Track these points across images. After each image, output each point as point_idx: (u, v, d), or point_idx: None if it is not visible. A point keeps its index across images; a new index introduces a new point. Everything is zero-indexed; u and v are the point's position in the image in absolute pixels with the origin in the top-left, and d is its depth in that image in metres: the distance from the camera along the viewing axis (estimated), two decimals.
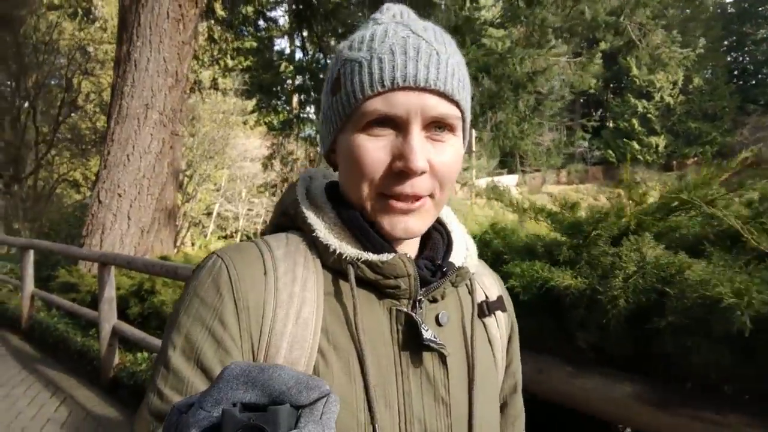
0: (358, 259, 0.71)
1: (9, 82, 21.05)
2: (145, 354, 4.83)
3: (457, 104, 0.70)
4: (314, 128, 16.00)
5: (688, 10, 40.65)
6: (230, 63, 15.56)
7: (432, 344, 0.71)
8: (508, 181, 41.41)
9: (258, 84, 15.51)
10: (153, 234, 7.62)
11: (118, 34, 8.88)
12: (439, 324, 0.76)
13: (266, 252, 0.72)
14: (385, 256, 0.71)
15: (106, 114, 9.69)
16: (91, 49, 22.91)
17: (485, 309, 0.84)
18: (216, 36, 15.32)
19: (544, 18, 9.01)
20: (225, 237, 29.73)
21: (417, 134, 0.67)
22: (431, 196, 0.72)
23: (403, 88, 0.66)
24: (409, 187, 0.68)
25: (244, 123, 24.35)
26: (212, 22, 14.52)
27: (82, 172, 23.69)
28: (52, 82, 23.08)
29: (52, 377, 5.17)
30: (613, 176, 40.99)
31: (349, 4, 10.92)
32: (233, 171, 27.43)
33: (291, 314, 0.68)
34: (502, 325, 0.88)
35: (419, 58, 0.66)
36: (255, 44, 15.09)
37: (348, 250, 0.71)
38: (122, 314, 5.14)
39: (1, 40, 20.36)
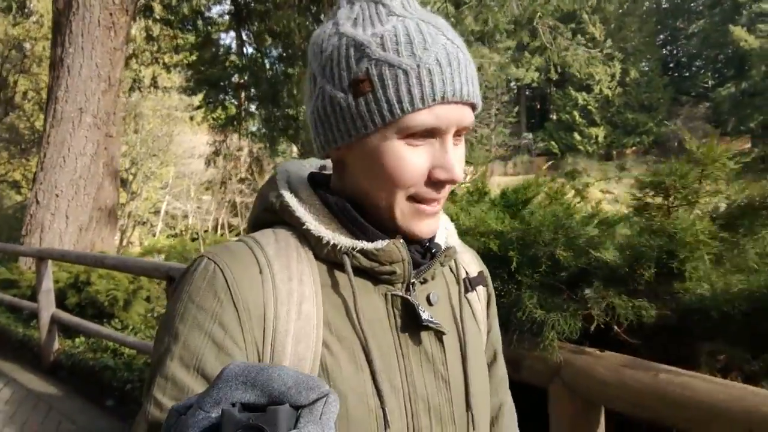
0: (353, 249, 0.72)
1: None
2: (83, 338, 5.32)
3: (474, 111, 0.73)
4: (257, 125, 16.39)
5: (625, 6, 42.44)
6: (168, 61, 15.75)
7: (430, 324, 0.74)
8: None
9: (204, 80, 15.62)
10: (91, 232, 8.00)
11: (52, 37, 9.15)
12: (430, 303, 0.79)
13: (258, 250, 0.71)
14: (380, 243, 0.72)
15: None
16: (27, 45, 22.48)
17: (468, 285, 0.87)
18: (155, 34, 15.52)
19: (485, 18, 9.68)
20: (174, 235, 29.57)
21: (452, 144, 0.70)
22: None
23: (447, 102, 0.67)
24: (437, 192, 0.71)
25: (191, 119, 24.42)
26: (150, 21, 14.75)
27: (22, 173, 23.31)
28: None
29: None
30: (556, 167, 42.59)
31: (283, 5, 11.38)
32: (180, 168, 27.45)
33: (292, 310, 0.68)
34: (481, 297, 0.93)
35: (460, 71, 0.68)
36: (198, 39, 15.27)
37: (342, 240, 0.72)
38: (62, 305, 5.60)
39: None
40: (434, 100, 0.66)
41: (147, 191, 25.30)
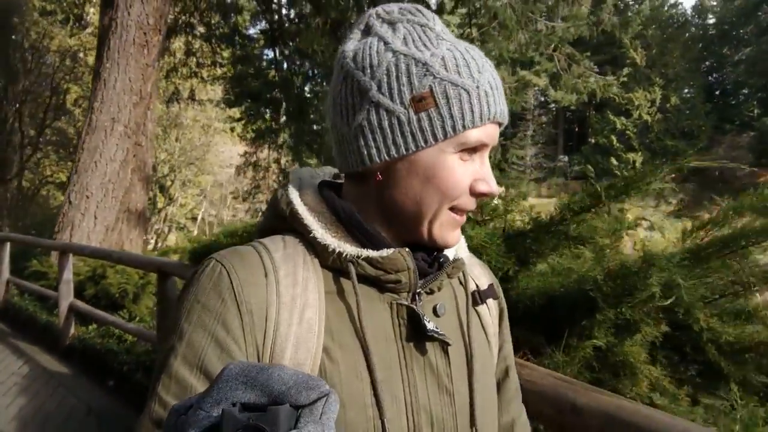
0: (358, 257, 0.73)
1: None
2: (95, 325, 5.90)
3: None
4: (285, 138, 17.04)
5: (669, 31, 42.03)
6: (207, 75, 16.64)
7: (435, 335, 0.74)
8: None
9: (245, 92, 16.10)
10: (117, 232, 8.66)
11: (97, 51, 9.98)
12: (436, 315, 0.79)
13: (265, 255, 0.73)
14: (385, 252, 0.73)
15: None
16: (81, 54, 23.87)
17: (477, 298, 0.87)
18: (194, 49, 16.43)
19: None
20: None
21: (488, 161, 0.76)
22: None
23: (494, 121, 0.73)
24: (472, 204, 0.76)
25: (232, 130, 25.39)
26: (190, 37, 15.66)
27: (67, 175, 24.61)
28: (42, 86, 24.11)
29: (20, 347, 6.21)
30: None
31: (313, 27, 12.03)
32: (218, 177, 28.55)
33: (294, 316, 0.69)
34: (493, 311, 0.92)
35: (500, 94, 0.74)
36: (238, 54, 15.99)
37: (347, 248, 0.73)
38: (80, 296, 6.22)
39: None
40: (489, 118, 0.72)
41: (184, 197, 26.40)
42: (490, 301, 0.90)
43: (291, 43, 13.17)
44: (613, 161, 40.74)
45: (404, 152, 0.72)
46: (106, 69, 8.27)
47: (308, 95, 14.15)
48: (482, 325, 0.88)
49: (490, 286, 0.90)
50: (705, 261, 1.82)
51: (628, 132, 40.38)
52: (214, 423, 0.39)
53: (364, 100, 0.73)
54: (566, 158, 46.95)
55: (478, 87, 0.70)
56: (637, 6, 43.44)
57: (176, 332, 0.67)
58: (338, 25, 10.93)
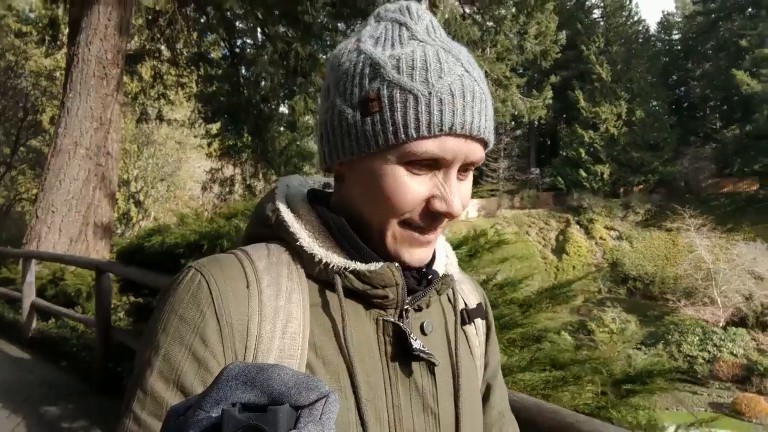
0: (345, 269, 0.70)
1: None
2: (53, 320, 7.00)
3: (486, 147, 0.72)
4: (248, 155, 18.03)
5: (633, 47, 43.50)
6: (172, 96, 17.76)
7: (422, 354, 0.71)
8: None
9: (223, 109, 16.70)
10: (81, 243, 9.71)
11: (64, 81, 11.05)
12: (423, 333, 0.76)
13: (247, 264, 0.70)
14: (374, 265, 0.70)
15: None
16: (57, 74, 24.72)
17: (466, 317, 0.84)
18: (162, 72, 17.53)
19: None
20: None
21: (455, 177, 0.69)
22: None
23: (456, 134, 0.66)
24: (435, 223, 0.71)
25: (209, 145, 26.34)
26: (157, 62, 16.78)
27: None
28: (17, 106, 24.98)
29: None
30: (562, 202, 42.70)
31: (266, 56, 13.18)
32: (191, 192, 29.53)
33: (277, 329, 0.66)
34: (480, 331, 0.90)
35: (474, 105, 0.67)
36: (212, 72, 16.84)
37: (334, 259, 0.70)
38: (43, 296, 7.30)
39: None
40: (441, 130, 0.65)
41: (156, 212, 27.37)
42: (478, 320, 0.88)
43: (248, 69, 14.34)
44: (582, 173, 41.76)
45: (351, 156, 0.70)
46: (69, 98, 9.39)
47: (266, 115, 15.26)
48: (469, 345, 0.87)
49: (479, 305, 0.88)
50: None
51: (595, 145, 41.44)
52: (214, 423, 0.38)
53: (326, 99, 0.73)
54: (537, 171, 48.18)
55: (430, 93, 0.65)
56: (601, 21, 45.35)
57: (152, 344, 0.64)
58: (286, 55, 12.16)
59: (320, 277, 0.72)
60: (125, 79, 15.59)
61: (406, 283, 0.73)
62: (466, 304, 0.87)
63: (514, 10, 11.72)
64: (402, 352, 0.72)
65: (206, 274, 0.67)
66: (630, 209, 41.20)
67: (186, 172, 27.45)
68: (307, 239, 0.72)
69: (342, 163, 0.72)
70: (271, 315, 0.67)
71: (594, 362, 2.07)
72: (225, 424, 0.36)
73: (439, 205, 0.68)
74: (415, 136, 0.65)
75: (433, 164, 0.68)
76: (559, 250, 40.04)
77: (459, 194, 0.69)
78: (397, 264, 0.72)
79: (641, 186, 42.42)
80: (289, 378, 0.40)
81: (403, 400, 0.72)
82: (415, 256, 0.72)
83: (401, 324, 0.72)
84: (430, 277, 0.77)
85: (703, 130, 46.18)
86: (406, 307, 0.74)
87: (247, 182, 18.22)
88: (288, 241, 0.73)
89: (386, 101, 0.66)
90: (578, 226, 41.05)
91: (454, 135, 0.66)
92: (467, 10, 11.75)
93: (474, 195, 44.32)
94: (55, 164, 9.33)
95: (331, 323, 0.70)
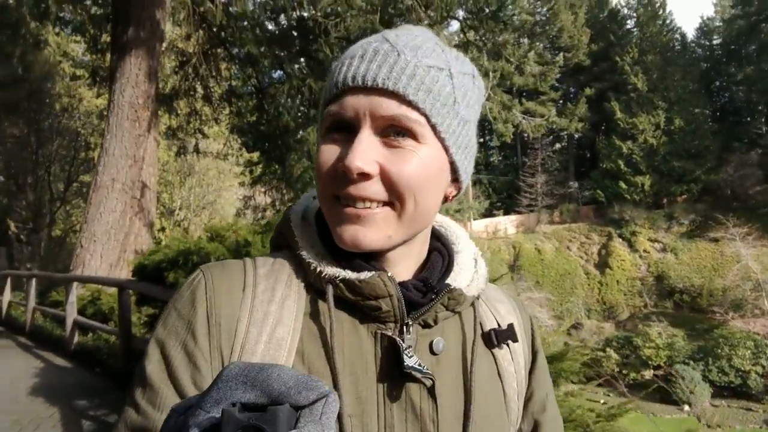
0: (336, 277, 0.68)
1: (30, 150, 24.81)
2: (91, 334, 8.07)
3: (417, 108, 0.66)
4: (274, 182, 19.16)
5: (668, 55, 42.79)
6: (206, 130, 19.13)
7: (414, 372, 0.66)
8: (505, 221, 42.63)
9: (262, 137, 17.46)
10: (119, 268, 10.84)
11: (106, 124, 12.39)
12: (433, 352, 0.71)
13: (250, 269, 0.72)
14: (364, 275, 0.68)
15: None
16: (105, 113, 26.43)
17: (493, 338, 0.78)
18: (198, 108, 18.90)
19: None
20: None
21: (366, 136, 0.65)
22: (390, 205, 0.68)
23: (353, 89, 0.65)
24: (353, 188, 0.66)
25: (250, 172, 27.74)
26: (193, 100, 18.16)
27: None
28: (71, 145, 26.90)
29: (41, 354, 8.41)
30: (603, 215, 41.83)
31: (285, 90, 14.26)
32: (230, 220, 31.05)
33: (264, 333, 0.67)
34: (518, 356, 0.83)
35: (374, 60, 0.65)
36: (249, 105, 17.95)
37: (327, 267, 0.69)
38: (83, 314, 8.40)
39: (28, 111, 24.21)
40: (336, 88, 0.66)
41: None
42: (517, 345, 0.82)
43: (272, 103, 15.47)
44: (623, 185, 40.76)
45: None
46: (107, 140, 10.64)
47: (287, 144, 16.27)
48: (498, 370, 0.79)
49: (510, 326, 0.78)
50: None
51: (634, 156, 40.80)
52: (214, 423, 0.39)
53: None
54: (576, 184, 47.39)
55: (344, 59, 0.67)
56: (635, 30, 44.87)
57: (155, 336, 0.67)
58: (299, 91, 13.25)
59: (316, 285, 0.71)
60: (164, 116, 17.14)
61: (408, 295, 0.70)
62: (499, 325, 0.80)
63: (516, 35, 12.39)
64: (399, 370, 0.67)
65: (207, 274, 0.70)
66: (674, 220, 39.91)
67: (226, 200, 28.92)
68: (306, 247, 0.72)
69: None
70: (260, 319, 0.67)
71: None
72: (225, 424, 0.37)
73: (341, 165, 0.65)
74: (324, 103, 0.70)
75: (347, 128, 0.67)
76: (602, 264, 38.86)
77: (370, 154, 0.65)
78: (390, 274, 0.69)
79: (685, 196, 41.11)
80: (289, 378, 0.41)
81: (396, 420, 0.67)
82: (345, 234, 0.67)
83: (397, 338, 0.68)
84: (437, 290, 0.72)
85: (748, 136, 44.83)
86: (408, 321, 0.69)
87: (277, 207, 19.31)
88: (294, 248, 0.74)
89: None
90: (621, 240, 39.82)
91: (353, 91, 0.65)
92: (471, 38, 12.50)
93: (512, 211, 44.62)
94: (96, 198, 10.55)
95: (321, 332, 0.69)
